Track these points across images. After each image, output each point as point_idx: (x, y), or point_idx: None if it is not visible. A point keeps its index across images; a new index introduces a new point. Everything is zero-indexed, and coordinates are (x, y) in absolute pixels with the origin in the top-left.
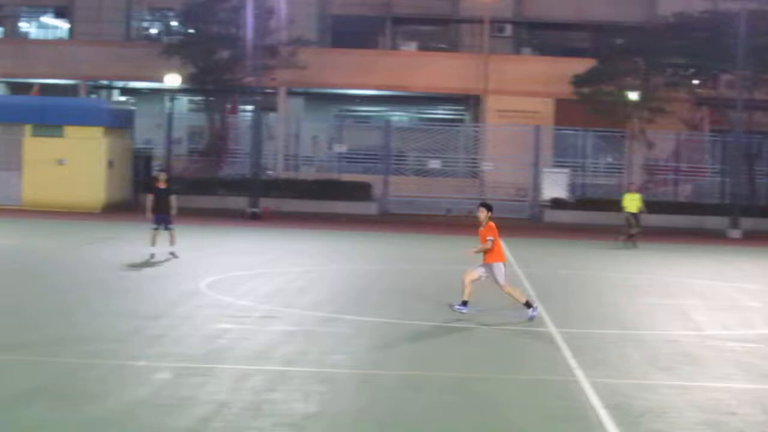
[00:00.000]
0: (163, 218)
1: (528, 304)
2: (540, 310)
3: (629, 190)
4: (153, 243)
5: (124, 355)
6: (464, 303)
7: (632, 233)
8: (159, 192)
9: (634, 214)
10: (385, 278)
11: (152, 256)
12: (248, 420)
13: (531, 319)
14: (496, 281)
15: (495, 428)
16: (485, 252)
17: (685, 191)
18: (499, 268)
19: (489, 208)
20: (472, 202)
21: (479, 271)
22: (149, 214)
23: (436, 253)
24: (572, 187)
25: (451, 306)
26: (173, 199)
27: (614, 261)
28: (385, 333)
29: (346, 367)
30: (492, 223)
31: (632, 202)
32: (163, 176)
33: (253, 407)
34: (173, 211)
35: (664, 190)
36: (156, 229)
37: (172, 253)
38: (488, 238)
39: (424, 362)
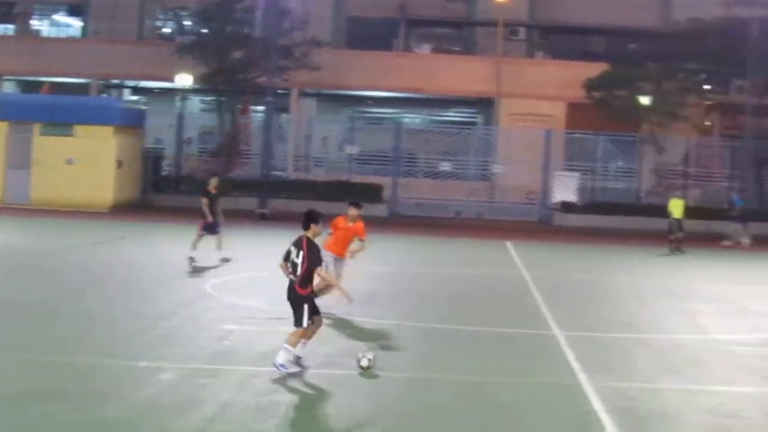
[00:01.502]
0: (213, 224)
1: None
2: (546, 313)
3: (674, 195)
4: (195, 247)
5: (128, 355)
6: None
7: (679, 238)
8: (212, 196)
9: (678, 220)
10: (396, 280)
11: (192, 260)
12: (251, 421)
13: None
14: (337, 274)
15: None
16: (344, 247)
17: (694, 196)
18: (344, 264)
19: (360, 206)
20: (483, 205)
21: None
22: (210, 218)
23: (446, 256)
24: (582, 191)
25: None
26: (220, 203)
27: (623, 265)
28: (395, 334)
29: (351, 368)
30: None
31: (677, 207)
32: (214, 181)
33: (256, 408)
34: (219, 216)
35: (673, 195)
36: (202, 235)
37: (223, 259)
38: (363, 238)
39: (433, 364)
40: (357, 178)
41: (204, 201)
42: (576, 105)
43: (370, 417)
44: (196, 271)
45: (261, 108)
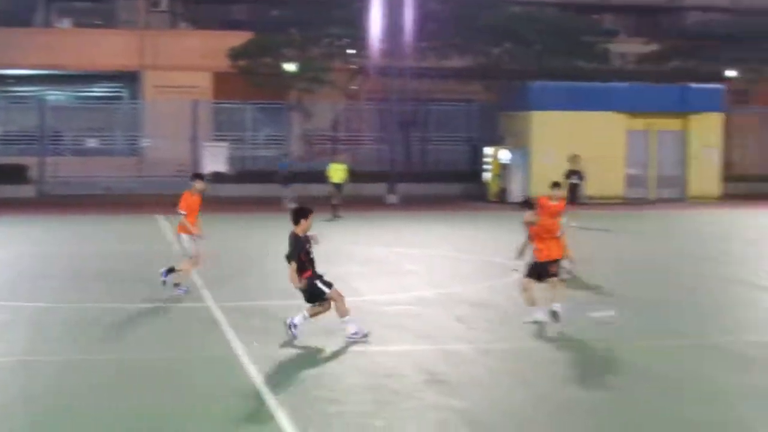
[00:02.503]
0: None
1: (171, 269)
2: (201, 285)
3: (335, 160)
4: None
5: None
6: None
7: (334, 203)
8: None
9: (337, 185)
10: (46, 262)
11: None
12: None
13: (171, 285)
14: (197, 252)
15: (152, 408)
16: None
17: (344, 159)
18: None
19: (204, 177)
20: (134, 180)
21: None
22: None
23: (98, 234)
24: (233, 161)
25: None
26: None
27: (279, 233)
28: (44, 318)
29: (0, 355)
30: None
31: (337, 173)
32: None
33: None
34: None
35: (322, 160)
36: None
37: None
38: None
39: (86, 346)
40: (1, 160)
41: None
42: (222, 75)
43: (19, 402)
44: None
45: None
